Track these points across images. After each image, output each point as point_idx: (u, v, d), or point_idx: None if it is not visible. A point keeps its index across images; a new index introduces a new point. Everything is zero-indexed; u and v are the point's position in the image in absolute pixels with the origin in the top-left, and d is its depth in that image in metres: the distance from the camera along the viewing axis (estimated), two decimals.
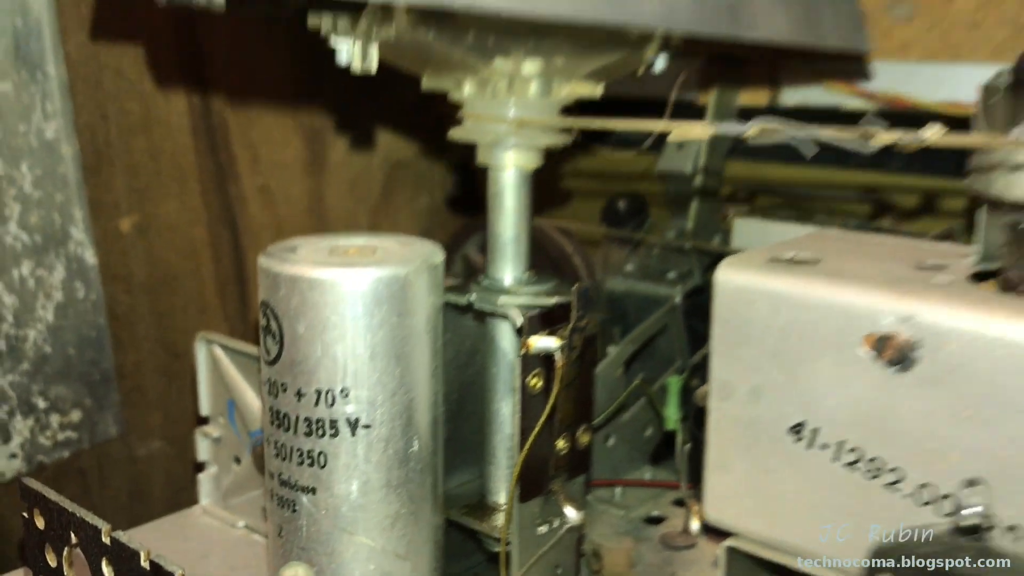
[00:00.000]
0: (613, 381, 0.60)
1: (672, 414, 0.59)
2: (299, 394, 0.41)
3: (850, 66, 0.62)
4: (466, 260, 0.77)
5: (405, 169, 0.87)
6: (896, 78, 0.60)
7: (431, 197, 0.90)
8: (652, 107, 0.51)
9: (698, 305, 0.64)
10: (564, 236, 0.70)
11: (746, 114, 0.69)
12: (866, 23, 0.51)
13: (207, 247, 0.75)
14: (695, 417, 0.53)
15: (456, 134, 0.47)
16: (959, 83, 0.58)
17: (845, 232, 0.56)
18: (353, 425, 0.41)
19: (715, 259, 0.67)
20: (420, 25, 0.43)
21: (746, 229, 0.65)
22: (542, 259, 0.69)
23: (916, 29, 0.61)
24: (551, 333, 0.45)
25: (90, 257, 0.67)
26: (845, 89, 0.61)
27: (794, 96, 0.65)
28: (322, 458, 0.42)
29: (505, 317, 0.46)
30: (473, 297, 0.46)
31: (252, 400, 0.54)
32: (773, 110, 0.67)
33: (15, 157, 0.63)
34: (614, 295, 0.69)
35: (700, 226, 0.68)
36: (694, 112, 0.69)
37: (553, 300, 0.46)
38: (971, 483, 0.40)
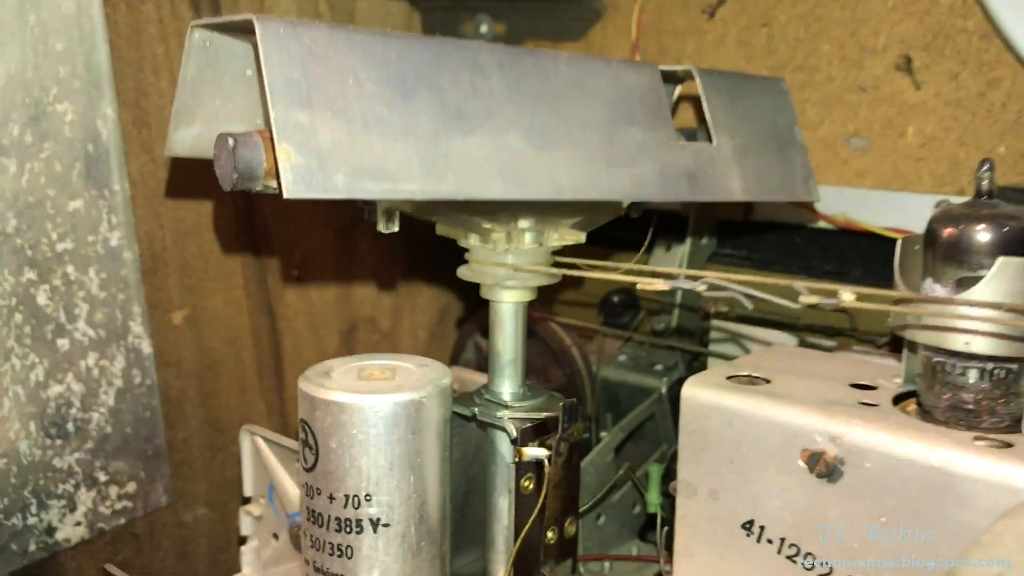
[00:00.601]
0: (604, 466, 0.69)
1: (653, 498, 0.67)
2: (331, 497, 0.50)
3: None
4: (476, 345, 0.86)
5: (425, 253, 0.96)
6: (852, 202, 0.68)
7: (449, 278, 0.99)
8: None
9: None
10: (564, 331, 0.79)
11: (724, 227, 0.78)
12: (812, 177, 0.60)
13: (248, 333, 0.84)
14: (671, 503, 0.62)
15: (463, 273, 0.56)
16: (906, 209, 0.67)
17: (795, 350, 0.64)
18: (375, 524, 0.50)
19: (696, 354, 0.76)
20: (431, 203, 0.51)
21: (722, 329, 0.73)
22: (545, 352, 0.78)
23: (871, 159, 0.69)
24: (541, 443, 0.53)
25: (146, 347, 0.76)
26: (808, 213, 0.70)
27: (767, 213, 0.74)
28: (349, 551, 0.50)
29: (503, 429, 0.54)
30: (476, 410, 0.55)
31: (289, 485, 0.63)
32: (748, 224, 0.75)
33: (84, 264, 0.72)
34: (608, 382, 0.78)
35: (683, 322, 0.77)
36: (681, 220, 0.78)
37: (544, 415, 0.54)
38: None
